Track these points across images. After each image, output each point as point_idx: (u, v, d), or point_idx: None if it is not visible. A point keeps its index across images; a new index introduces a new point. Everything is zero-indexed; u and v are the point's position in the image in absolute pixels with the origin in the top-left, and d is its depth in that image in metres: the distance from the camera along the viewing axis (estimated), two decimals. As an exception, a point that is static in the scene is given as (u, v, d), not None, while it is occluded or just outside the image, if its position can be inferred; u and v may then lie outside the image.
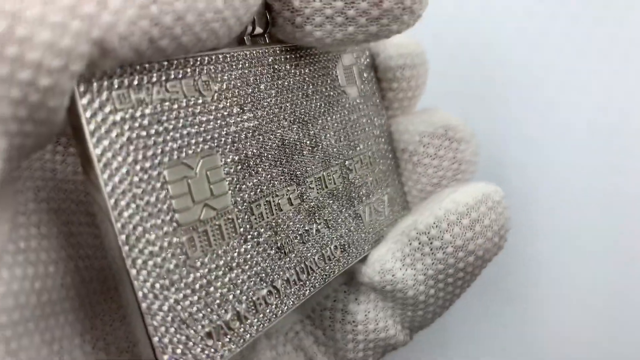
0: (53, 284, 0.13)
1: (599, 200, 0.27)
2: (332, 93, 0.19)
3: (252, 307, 0.15)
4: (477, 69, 0.28)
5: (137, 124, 0.13)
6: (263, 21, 0.17)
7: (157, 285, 0.13)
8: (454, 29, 0.28)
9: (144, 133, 0.13)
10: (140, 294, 0.12)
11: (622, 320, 0.27)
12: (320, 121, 0.19)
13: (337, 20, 0.17)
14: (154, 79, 0.13)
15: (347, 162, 0.20)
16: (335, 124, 0.19)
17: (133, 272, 0.12)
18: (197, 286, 0.14)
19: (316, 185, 0.18)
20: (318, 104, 0.18)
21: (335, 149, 0.19)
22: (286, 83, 0.17)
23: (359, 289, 0.19)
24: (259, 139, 0.16)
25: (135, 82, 0.13)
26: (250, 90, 0.16)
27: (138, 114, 0.13)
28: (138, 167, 0.13)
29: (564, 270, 0.28)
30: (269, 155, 0.16)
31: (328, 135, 0.19)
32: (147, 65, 0.13)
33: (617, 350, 0.27)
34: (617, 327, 0.27)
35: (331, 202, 0.19)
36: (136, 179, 0.13)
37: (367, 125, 0.21)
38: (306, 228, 0.17)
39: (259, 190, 0.16)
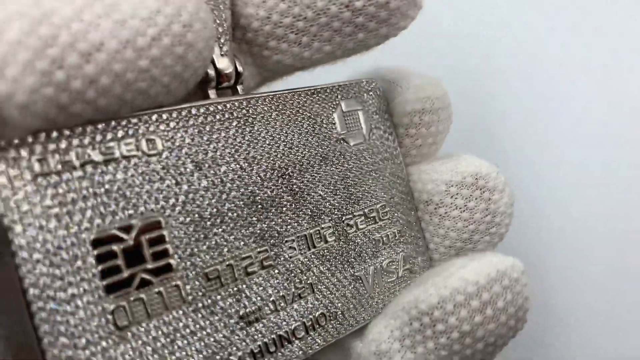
0: None
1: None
2: (326, 142, 0.18)
3: None
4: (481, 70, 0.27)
5: (59, 190, 0.12)
6: (233, 72, 0.16)
7: (82, 356, 0.12)
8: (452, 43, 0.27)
9: (67, 199, 0.13)
10: None
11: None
12: (308, 174, 0.17)
13: (346, 30, 0.16)
14: (85, 142, 0.13)
15: (344, 219, 0.18)
16: (330, 176, 0.17)
17: (46, 347, 0.12)
18: (129, 359, 0.13)
19: (298, 245, 0.16)
20: (306, 154, 0.17)
21: (328, 204, 0.17)
22: (262, 134, 0.16)
23: None
24: (220, 197, 0.15)
25: (61, 146, 0.13)
26: (212, 145, 0.15)
27: (62, 178, 0.13)
28: (59, 234, 0.12)
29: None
30: (233, 215, 0.15)
31: (319, 188, 0.17)
32: (77, 129, 0.13)
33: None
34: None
35: (319, 263, 0.17)
36: (55, 246, 0.12)
37: (376, 176, 0.19)
38: (281, 294, 0.16)
39: (217, 253, 0.15)
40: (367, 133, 0.19)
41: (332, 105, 0.18)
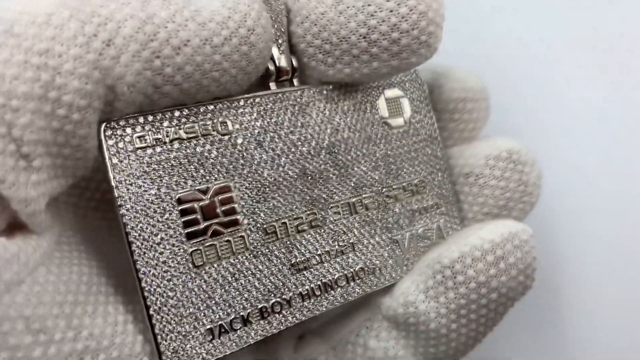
0: (88, 278, 0.17)
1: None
2: (369, 125, 0.21)
3: (257, 314, 0.18)
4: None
5: (153, 159, 0.17)
6: (289, 67, 0.19)
7: (162, 286, 0.16)
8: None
9: (159, 166, 0.17)
10: (146, 293, 0.16)
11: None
12: (352, 152, 0.20)
13: (363, 57, 0.19)
14: (172, 122, 0.17)
15: (384, 190, 0.21)
16: (372, 154, 0.21)
17: (142, 276, 0.16)
18: (200, 290, 0.17)
19: (342, 211, 0.20)
20: (351, 135, 0.20)
21: (370, 178, 0.20)
22: (312, 118, 0.19)
23: (381, 324, 0.20)
24: (277, 169, 0.19)
25: (155, 125, 0.17)
26: (271, 127, 0.19)
27: (156, 150, 0.17)
28: (152, 192, 0.16)
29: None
30: (287, 183, 0.19)
31: (362, 165, 0.20)
32: (167, 113, 0.17)
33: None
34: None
35: (360, 227, 0.20)
36: (149, 201, 0.16)
37: (415, 155, 0.22)
38: (326, 249, 0.19)
39: (273, 213, 0.18)
40: (408, 117, 0.22)
41: (377, 93, 0.21)
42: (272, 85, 0.19)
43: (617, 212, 0.29)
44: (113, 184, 0.16)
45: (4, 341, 0.13)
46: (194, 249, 0.17)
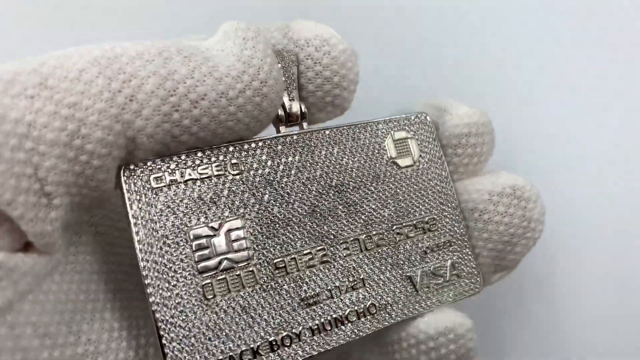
0: (87, 286, 0.18)
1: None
2: (378, 164, 0.22)
3: (267, 347, 0.18)
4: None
5: (168, 198, 0.18)
6: (298, 113, 0.21)
7: (175, 317, 0.17)
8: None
9: (174, 204, 0.18)
10: (159, 324, 0.17)
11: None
12: (361, 190, 0.21)
13: None
14: (187, 164, 0.18)
15: (394, 227, 0.21)
16: (381, 192, 0.21)
17: (155, 307, 0.17)
18: (211, 322, 0.18)
19: (352, 247, 0.20)
20: (359, 174, 0.21)
21: (379, 215, 0.21)
22: (321, 159, 0.21)
23: None
24: (286, 207, 0.20)
25: (170, 168, 0.18)
26: (281, 167, 0.20)
27: (171, 190, 0.18)
28: (167, 228, 0.18)
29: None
30: (297, 220, 0.20)
31: (371, 202, 0.21)
32: (182, 156, 0.18)
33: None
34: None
35: (370, 263, 0.20)
36: (164, 236, 0.18)
37: (425, 194, 0.22)
38: (336, 284, 0.20)
39: (283, 249, 0.19)
40: (416, 157, 0.22)
41: (384, 135, 0.22)
42: (282, 128, 0.21)
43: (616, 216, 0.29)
44: (131, 220, 0.17)
45: (17, 343, 0.15)
46: (205, 282, 0.18)
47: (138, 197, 0.18)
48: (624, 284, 0.28)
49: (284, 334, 0.19)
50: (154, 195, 0.18)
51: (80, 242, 0.19)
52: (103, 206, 0.18)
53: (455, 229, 0.22)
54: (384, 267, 0.21)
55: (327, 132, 0.21)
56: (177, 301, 0.17)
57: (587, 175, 0.29)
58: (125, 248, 0.20)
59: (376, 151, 0.22)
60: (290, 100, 0.21)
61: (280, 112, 0.20)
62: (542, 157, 0.29)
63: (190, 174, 0.18)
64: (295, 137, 0.20)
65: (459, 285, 0.22)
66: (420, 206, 0.22)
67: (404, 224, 0.21)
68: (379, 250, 0.21)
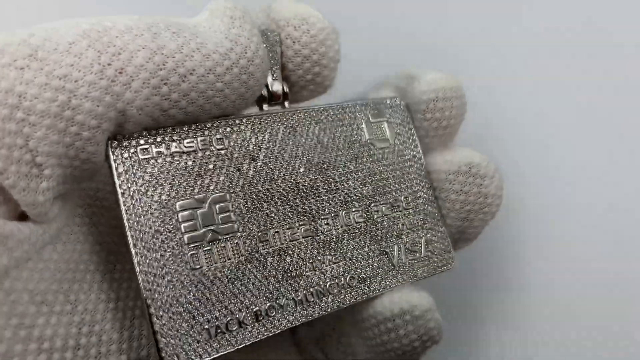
0: (88, 257, 0.18)
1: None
2: (356, 145, 0.22)
3: (252, 317, 0.19)
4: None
5: (155, 170, 0.18)
6: (281, 92, 0.21)
7: (162, 286, 0.17)
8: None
9: (161, 176, 0.18)
10: (146, 292, 0.17)
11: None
12: (340, 169, 0.22)
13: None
14: (173, 138, 0.19)
15: (372, 205, 0.22)
16: (360, 171, 0.22)
17: (143, 276, 0.17)
18: (198, 291, 0.18)
19: (333, 222, 0.21)
20: (339, 153, 0.22)
21: (358, 193, 0.22)
22: (303, 138, 0.21)
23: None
24: (270, 182, 0.20)
25: (157, 140, 0.18)
26: (264, 144, 0.20)
27: (157, 162, 0.18)
28: (155, 199, 0.18)
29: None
30: (280, 195, 0.20)
31: (350, 180, 0.22)
32: (168, 129, 0.19)
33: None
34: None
35: (350, 237, 0.21)
36: (151, 207, 0.18)
37: (400, 174, 0.23)
38: (319, 258, 0.20)
39: (268, 222, 0.20)
40: (391, 139, 0.23)
41: (361, 117, 0.23)
42: (265, 107, 0.21)
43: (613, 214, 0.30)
44: (119, 190, 0.17)
45: (13, 308, 0.15)
46: (192, 252, 0.18)
47: (125, 168, 0.18)
48: (620, 283, 0.29)
49: (269, 304, 0.19)
50: (141, 167, 0.18)
51: (85, 214, 0.19)
52: (94, 179, 0.18)
53: (428, 207, 0.23)
54: (362, 242, 0.21)
55: (308, 111, 0.22)
56: (164, 271, 0.17)
57: (581, 175, 0.30)
58: (111, 228, 0.20)
59: (354, 132, 0.23)
60: (273, 79, 0.21)
61: (264, 91, 0.21)
62: (539, 157, 0.30)
63: (176, 147, 0.19)
64: (278, 115, 0.21)
65: (433, 261, 0.23)
66: (396, 185, 0.23)
67: (380, 202, 0.22)
68: (358, 226, 0.22)
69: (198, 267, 0.18)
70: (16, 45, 0.16)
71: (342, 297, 0.20)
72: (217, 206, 0.19)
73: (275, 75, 0.21)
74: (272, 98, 0.21)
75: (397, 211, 0.23)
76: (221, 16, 0.19)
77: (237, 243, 0.19)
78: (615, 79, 0.29)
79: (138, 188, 0.18)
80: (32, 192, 0.16)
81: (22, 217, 0.16)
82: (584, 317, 0.29)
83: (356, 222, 0.22)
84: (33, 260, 0.16)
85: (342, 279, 0.21)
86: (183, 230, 0.18)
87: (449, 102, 0.24)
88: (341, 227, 0.21)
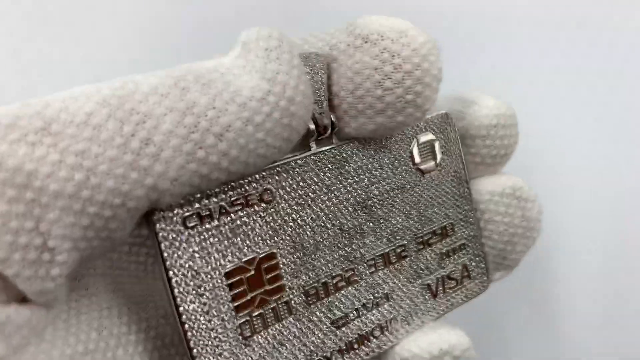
0: (108, 322, 0.17)
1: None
2: (403, 173, 0.21)
3: None
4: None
5: (202, 237, 0.17)
6: (329, 125, 0.19)
7: (213, 354, 0.17)
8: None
9: (207, 244, 0.17)
10: None
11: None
12: (386, 203, 0.20)
13: (367, 112, 0.19)
14: (218, 199, 0.17)
15: (417, 237, 0.21)
16: (405, 203, 0.21)
17: (195, 352, 0.16)
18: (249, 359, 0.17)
19: (376, 263, 0.20)
20: (385, 186, 0.20)
21: (403, 227, 0.21)
22: (350, 173, 0.19)
23: None
24: (316, 230, 0.19)
25: (202, 203, 0.17)
26: (312, 187, 0.19)
27: (204, 227, 0.17)
28: (202, 270, 0.17)
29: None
30: (326, 242, 0.19)
31: (395, 214, 0.21)
32: (211, 191, 0.17)
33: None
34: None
35: (393, 276, 0.21)
36: (199, 280, 0.17)
37: (446, 197, 0.22)
38: (363, 302, 0.20)
39: (314, 274, 0.19)
40: (439, 160, 0.22)
41: (410, 140, 0.21)
42: (313, 144, 0.19)
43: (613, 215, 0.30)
44: (167, 267, 0.16)
45: None
46: (242, 320, 0.17)
47: (171, 242, 0.16)
48: (620, 284, 0.30)
49: (316, 359, 0.19)
50: (187, 238, 0.16)
51: (82, 286, 0.17)
52: (115, 250, 0.17)
53: (470, 231, 0.23)
54: (405, 279, 0.21)
55: (356, 143, 0.20)
56: (215, 344, 0.17)
57: (582, 174, 0.30)
58: (133, 278, 0.19)
59: (402, 159, 0.21)
60: (320, 112, 0.19)
61: (311, 125, 0.19)
62: (538, 157, 0.30)
63: (222, 208, 0.17)
64: (326, 153, 0.19)
65: (469, 286, 0.23)
66: (440, 212, 0.22)
67: (425, 232, 0.21)
68: (402, 262, 0.21)
69: (249, 334, 0.17)
70: (28, 117, 0.13)
71: (385, 338, 0.20)
72: (265, 266, 0.18)
73: (322, 107, 0.19)
74: (319, 131, 0.19)
75: (441, 240, 0.22)
76: (255, 49, 0.16)
77: (285, 302, 0.18)
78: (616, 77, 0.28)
79: (185, 261, 0.16)
80: (39, 280, 0.14)
81: (24, 298, 0.15)
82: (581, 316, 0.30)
83: (401, 259, 0.21)
84: (34, 344, 0.15)
85: (385, 320, 0.20)
86: (231, 299, 0.17)
87: (509, 130, 0.22)
88: (385, 266, 0.20)
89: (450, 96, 0.23)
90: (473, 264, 0.23)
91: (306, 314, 0.19)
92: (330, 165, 0.19)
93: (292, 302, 0.18)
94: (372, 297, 0.20)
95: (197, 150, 0.15)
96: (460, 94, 0.23)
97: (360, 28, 0.18)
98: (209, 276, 0.17)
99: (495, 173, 0.24)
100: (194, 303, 0.16)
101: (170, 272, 0.16)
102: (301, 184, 0.18)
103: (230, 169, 0.16)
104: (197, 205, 0.16)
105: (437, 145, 0.22)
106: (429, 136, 0.21)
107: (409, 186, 0.21)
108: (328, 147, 0.19)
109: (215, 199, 0.17)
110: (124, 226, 0.15)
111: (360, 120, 0.19)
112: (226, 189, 0.17)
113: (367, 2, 0.26)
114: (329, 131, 0.19)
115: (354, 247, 0.20)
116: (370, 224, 0.20)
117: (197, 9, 0.26)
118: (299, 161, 0.18)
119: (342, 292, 0.19)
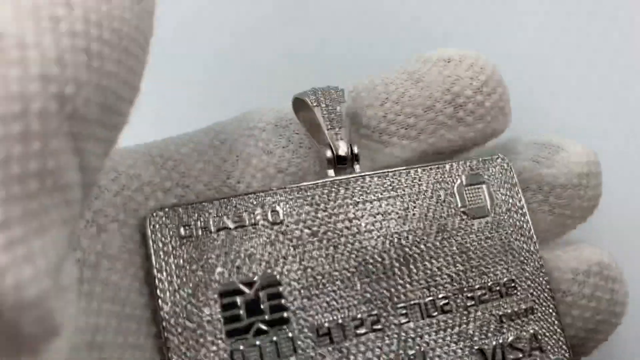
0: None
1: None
2: (444, 214, 0.18)
3: None
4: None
5: (198, 249, 0.16)
6: (349, 154, 0.18)
7: None
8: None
9: (202, 257, 0.16)
10: None
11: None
12: (422, 244, 0.18)
13: (449, 123, 0.19)
14: (221, 210, 0.16)
15: (464, 290, 0.18)
16: (447, 248, 0.18)
17: None
18: None
19: (411, 312, 0.17)
20: (421, 225, 0.18)
21: (445, 275, 0.18)
22: (376, 207, 0.18)
23: None
24: (331, 260, 0.17)
25: (202, 213, 0.16)
26: (326, 217, 0.17)
27: (200, 240, 0.16)
28: (193, 285, 0.15)
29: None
30: (345, 278, 0.17)
31: (434, 259, 0.18)
32: (215, 199, 0.16)
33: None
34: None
35: (433, 332, 0.17)
36: (189, 294, 0.15)
37: (502, 250, 0.19)
38: (391, 357, 0.16)
39: (328, 312, 0.16)
40: (490, 207, 0.19)
41: (452, 180, 0.19)
42: (330, 172, 0.18)
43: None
44: (154, 272, 0.15)
45: None
46: (233, 348, 0.15)
47: (163, 248, 0.16)
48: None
49: None
50: (182, 246, 0.16)
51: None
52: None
53: (539, 292, 0.18)
54: (449, 338, 0.17)
55: (382, 175, 0.18)
56: None
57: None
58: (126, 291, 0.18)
59: (442, 198, 0.19)
60: (339, 139, 0.18)
61: (329, 153, 0.18)
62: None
63: (223, 223, 0.16)
64: (345, 181, 0.18)
65: None
66: (497, 265, 0.18)
67: (476, 286, 0.18)
68: (445, 317, 0.17)
69: None
70: None
71: None
72: (267, 292, 0.16)
73: (340, 135, 0.18)
74: (340, 160, 0.18)
75: (496, 298, 0.18)
76: None
77: (289, 337, 0.16)
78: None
79: (177, 271, 0.16)
80: None
81: None
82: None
83: (442, 312, 0.17)
84: None
85: None
86: (224, 321, 0.15)
87: (598, 180, 0.20)
88: (422, 318, 0.17)
89: (529, 141, 0.21)
90: (546, 332, 0.18)
91: (314, 357, 0.16)
92: (349, 196, 0.18)
93: (298, 338, 0.16)
94: (402, 353, 0.17)
95: None
96: (538, 138, 0.21)
97: (426, 57, 0.20)
98: (199, 291, 0.16)
99: (565, 231, 0.20)
100: (181, 317, 0.15)
101: (158, 281, 0.15)
102: (313, 209, 0.17)
103: None
104: (196, 214, 0.16)
105: (486, 188, 0.19)
106: (475, 179, 0.19)
107: (452, 229, 0.18)
108: (348, 176, 0.18)
109: (216, 211, 0.16)
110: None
111: (419, 137, 0.19)
112: (228, 202, 0.16)
113: (367, 3, 0.27)
114: (350, 161, 0.18)
115: (381, 289, 0.17)
116: (403, 265, 0.17)
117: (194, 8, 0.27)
118: (312, 186, 0.17)
119: (364, 339, 0.16)
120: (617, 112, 0.27)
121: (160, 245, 0.16)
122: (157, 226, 0.16)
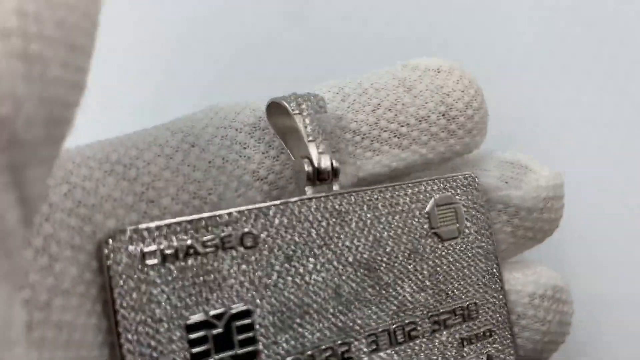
0: None
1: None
2: (416, 236, 0.18)
3: None
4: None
5: (162, 279, 0.14)
6: (329, 169, 0.17)
7: None
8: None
9: (168, 287, 0.14)
10: None
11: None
12: (395, 269, 0.17)
13: (441, 135, 0.19)
14: (189, 233, 0.14)
15: (431, 315, 0.18)
16: (418, 272, 0.18)
17: None
18: None
19: (379, 340, 0.17)
20: (394, 248, 0.17)
21: (414, 300, 0.17)
22: (352, 228, 0.17)
23: None
24: (305, 289, 0.16)
25: (167, 237, 0.14)
26: (303, 239, 0.16)
27: (166, 268, 0.14)
28: (158, 318, 0.14)
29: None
30: (316, 306, 0.16)
31: (405, 283, 0.17)
32: (182, 221, 0.14)
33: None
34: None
35: (400, 359, 0.17)
36: (154, 329, 0.14)
37: (469, 273, 0.19)
38: None
39: (299, 343, 0.15)
40: (461, 227, 0.19)
41: (424, 199, 0.18)
42: (308, 190, 0.17)
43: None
44: (114, 306, 0.13)
45: None
46: None
47: (124, 278, 0.14)
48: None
49: None
50: (144, 275, 0.14)
51: None
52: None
53: (498, 315, 0.19)
54: None
55: (360, 194, 0.17)
56: None
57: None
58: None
59: (415, 219, 0.18)
60: (319, 152, 0.17)
61: (308, 167, 0.16)
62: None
63: (191, 247, 0.15)
64: (323, 200, 0.17)
65: None
66: (462, 288, 0.18)
67: (441, 311, 0.18)
68: (411, 344, 0.17)
69: None
70: None
71: None
72: (237, 324, 0.15)
73: (320, 148, 0.17)
74: (320, 176, 0.17)
75: (459, 322, 0.18)
76: None
77: None
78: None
79: (140, 304, 0.14)
80: None
81: None
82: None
83: (409, 339, 0.17)
84: None
85: None
86: (189, 357, 0.14)
87: (561, 203, 0.20)
88: (391, 345, 0.17)
89: (497, 158, 0.20)
90: (500, 353, 0.19)
91: None
92: (327, 216, 0.16)
93: None
94: None
95: None
96: (507, 156, 0.20)
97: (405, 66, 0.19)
98: (164, 326, 0.14)
99: (522, 252, 0.21)
100: (144, 354, 0.14)
101: (120, 315, 0.14)
102: (290, 232, 0.16)
103: None
104: (161, 238, 0.14)
105: (459, 209, 0.19)
106: (448, 199, 0.19)
107: (424, 252, 0.18)
108: (326, 194, 0.17)
109: (183, 236, 0.14)
110: None
111: (410, 147, 0.19)
112: (198, 224, 0.15)
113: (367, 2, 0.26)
114: (330, 176, 0.17)
115: (352, 316, 0.16)
116: (374, 291, 0.17)
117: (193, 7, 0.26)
118: (290, 205, 0.16)
119: None
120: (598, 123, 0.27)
121: (120, 274, 0.14)
122: (117, 252, 0.14)
